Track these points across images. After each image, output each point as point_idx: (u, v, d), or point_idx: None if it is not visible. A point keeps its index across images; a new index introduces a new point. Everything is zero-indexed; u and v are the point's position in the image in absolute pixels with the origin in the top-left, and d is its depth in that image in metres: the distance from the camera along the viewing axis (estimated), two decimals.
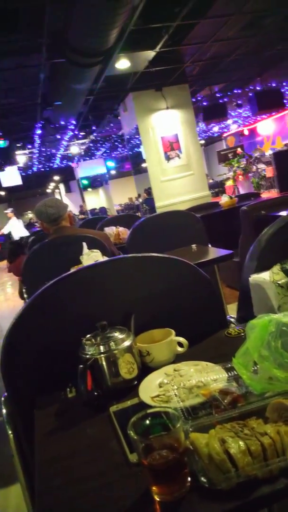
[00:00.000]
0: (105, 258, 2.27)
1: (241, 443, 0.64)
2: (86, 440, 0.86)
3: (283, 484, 0.61)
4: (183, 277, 1.31)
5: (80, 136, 11.22)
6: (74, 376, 0.99)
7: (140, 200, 14.48)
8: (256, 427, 0.68)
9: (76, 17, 4.14)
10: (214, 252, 2.67)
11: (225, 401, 0.81)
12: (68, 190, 21.22)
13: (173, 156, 7.23)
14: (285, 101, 9.92)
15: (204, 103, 9.51)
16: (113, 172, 19.35)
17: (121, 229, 3.89)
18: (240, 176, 8.49)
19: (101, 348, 1.01)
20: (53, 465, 0.79)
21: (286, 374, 0.78)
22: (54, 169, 16.86)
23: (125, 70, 6.25)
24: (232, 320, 1.41)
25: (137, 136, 7.47)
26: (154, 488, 0.64)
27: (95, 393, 0.97)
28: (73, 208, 19.11)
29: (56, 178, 19.66)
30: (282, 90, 9.94)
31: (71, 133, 9.95)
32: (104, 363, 1.00)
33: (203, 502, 0.61)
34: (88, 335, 1.05)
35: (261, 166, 11.30)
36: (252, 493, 0.60)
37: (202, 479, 0.62)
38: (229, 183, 10.61)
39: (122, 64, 6.03)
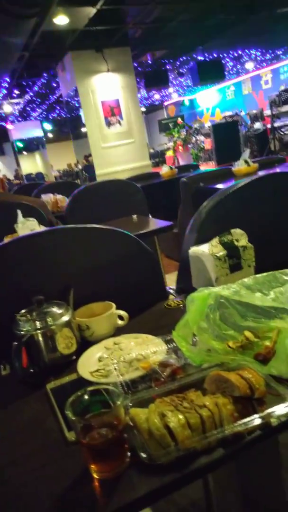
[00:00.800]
0: (42, 228, 2.18)
1: (181, 416, 0.64)
2: (22, 420, 0.82)
3: (219, 453, 0.62)
4: (125, 250, 1.28)
5: (14, 95, 10.49)
6: (8, 353, 0.94)
7: (80, 167, 14.05)
8: (195, 399, 0.69)
9: None
10: (154, 223, 2.66)
11: (165, 373, 0.81)
12: (1, 152, 19.99)
13: (114, 122, 7.03)
14: (225, 72, 9.99)
15: (146, 69, 9.29)
16: (50, 135, 18.49)
17: (59, 196, 3.74)
18: (180, 147, 8.52)
19: (37, 323, 0.97)
20: None
21: (223, 345, 0.79)
22: None
23: (64, 27, 5.86)
24: (171, 291, 1.42)
25: (76, 99, 7.14)
26: (92, 466, 0.63)
27: (31, 370, 0.93)
28: (7, 173, 18.08)
29: None
30: (223, 62, 9.98)
31: (4, 91, 9.27)
32: (40, 339, 0.96)
33: (142, 476, 0.61)
34: (23, 311, 1.00)
35: (200, 137, 11.43)
36: (190, 465, 0.61)
37: (142, 454, 0.61)
38: (170, 153, 10.64)
39: (61, 19, 5.64)
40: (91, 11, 5.54)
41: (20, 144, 16.82)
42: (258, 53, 11.60)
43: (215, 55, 9.63)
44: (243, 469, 1.04)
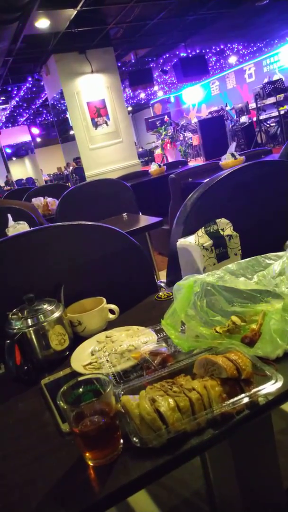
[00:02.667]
0: None
1: (170, 400, 0.66)
2: (17, 416, 0.84)
3: (209, 434, 0.64)
4: (113, 245, 1.30)
5: (0, 101, 10.47)
6: (2, 352, 0.95)
7: (70, 169, 14.02)
8: (185, 383, 0.70)
9: None
10: (144, 220, 2.68)
11: (155, 362, 0.82)
12: None
13: (100, 122, 7.04)
14: (209, 67, 10.02)
15: (130, 68, 9.29)
16: (39, 139, 18.45)
17: (49, 199, 3.75)
18: (168, 145, 8.54)
19: (29, 321, 0.98)
20: None
21: (211, 331, 0.81)
22: None
23: (46, 30, 5.86)
24: (162, 284, 1.43)
25: (62, 101, 7.14)
26: (87, 454, 0.64)
27: (25, 368, 0.94)
28: None
29: None
30: (206, 57, 10.00)
31: None
32: (33, 336, 0.97)
33: (136, 461, 0.62)
34: (15, 309, 1.01)
35: (188, 134, 11.46)
36: (182, 447, 0.62)
37: (134, 439, 0.63)
38: (158, 151, 10.66)
39: (42, 23, 5.64)
40: (72, 13, 5.55)
41: (9, 150, 16.78)
42: (240, 47, 11.64)
43: (197, 51, 9.66)
44: (240, 457, 1.06)
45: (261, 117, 9.37)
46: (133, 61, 9.12)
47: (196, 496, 1.54)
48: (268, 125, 9.68)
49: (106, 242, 1.29)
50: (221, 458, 1.17)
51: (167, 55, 9.29)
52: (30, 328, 0.97)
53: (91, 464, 0.64)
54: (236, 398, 0.65)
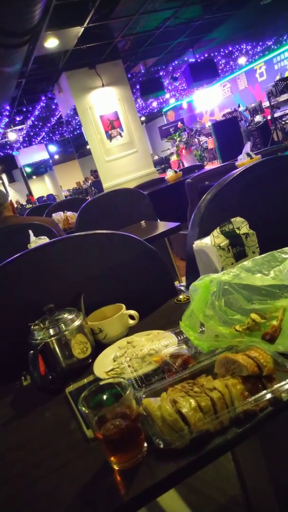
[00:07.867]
0: None
1: (192, 400, 0.65)
2: (44, 424, 0.85)
3: (233, 433, 0.63)
4: (129, 252, 1.30)
5: (16, 122, 10.76)
6: (27, 363, 0.96)
7: (88, 183, 14.21)
8: (206, 383, 0.70)
9: None
10: (162, 226, 2.68)
11: (177, 364, 0.82)
12: (12, 179, 20.39)
13: (115, 134, 7.13)
14: (219, 71, 10.02)
15: (140, 79, 9.40)
16: (56, 156, 18.83)
17: (69, 213, 3.80)
18: (183, 150, 8.54)
19: (51, 331, 1.00)
20: (10, 454, 0.78)
21: (230, 330, 0.80)
22: None
23: (55, 49, 6.02)
24: (182, 288, 1.42)
25: (76, 117, 7.29)
26: (112, 458, 0.64)
27: (49, 377, 0.95)
28: (20, 198, 18.44)
29: None
30: (215, 60, 10.01)
31: (6, 120, 9.51)
32: (55, 346, 0.99)
33: (160, 462, 0.62)
34: (36, 321, 1.03)
35: (203, 138, 11.45)
36: (205, 446, 0.62)
37: (157, 440, 0.63)
38: (174, 158, 10.67)
39: (51, 43, 5.80)
40: (79, 30, 5.68)
41: (28, 169, 17.15)
42: (249, 47, 11.60)
43: (206, 55, 9.68)
44: (271, 457, 1.04)
45: (276, 115, 9.26)
46: (142, 71, 9.22)
47: (233, 503, 1.51)
48: (283, 122, 9.56)
49: (122, 249, 1.30)
50: (255, 462, 1.15)
51: (176, 62, 9.36)
52: (52, 338, 0.99)
53: (116, 468, 0.64)
54: (258, 395, 0.64)
